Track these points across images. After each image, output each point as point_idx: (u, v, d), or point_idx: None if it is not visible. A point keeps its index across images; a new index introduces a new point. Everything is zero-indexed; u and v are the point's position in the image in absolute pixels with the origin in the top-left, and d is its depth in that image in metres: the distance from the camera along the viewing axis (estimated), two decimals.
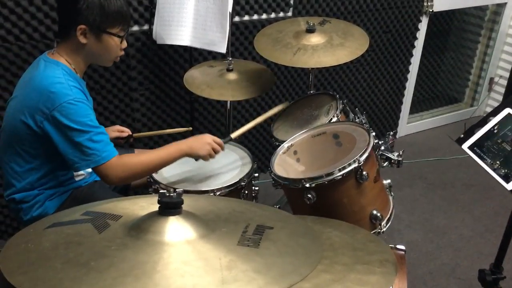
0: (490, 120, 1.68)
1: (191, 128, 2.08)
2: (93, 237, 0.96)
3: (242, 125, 2.96)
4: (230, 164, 1.95)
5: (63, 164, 1.68)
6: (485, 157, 1.65)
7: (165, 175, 1.89)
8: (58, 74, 1.61)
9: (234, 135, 1.97)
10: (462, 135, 1.73)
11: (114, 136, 2.07)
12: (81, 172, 1.84)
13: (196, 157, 1.81)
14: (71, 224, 1.02)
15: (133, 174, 1.69)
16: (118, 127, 2.12)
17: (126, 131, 2.11)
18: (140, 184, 2.11)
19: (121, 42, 1.71)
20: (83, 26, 1.61)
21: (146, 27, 2.48)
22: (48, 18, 2.22)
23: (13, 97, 1.71)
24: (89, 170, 1.88)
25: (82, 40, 1.64)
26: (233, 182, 1.81)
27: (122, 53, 1.77)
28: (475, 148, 1.69)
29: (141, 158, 1.71)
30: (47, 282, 0.81)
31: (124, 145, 2.15)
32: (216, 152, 1.82)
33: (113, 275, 0.83)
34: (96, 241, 0.94)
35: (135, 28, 2.47)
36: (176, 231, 0.96)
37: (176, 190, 1.01)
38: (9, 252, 0.92)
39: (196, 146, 1.78)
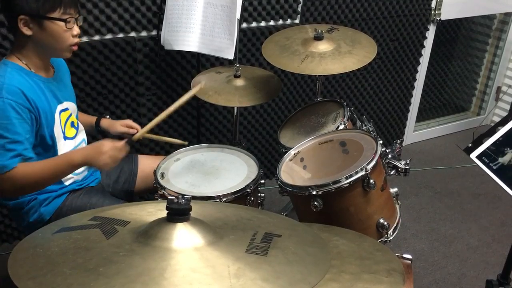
0: (498, 129, 1.68)
1: (186, 143, 2.00)
2: (101, 242, 0.96)
3: (249, 131, 2.99)
4: (237, 170, 1.94)
5: None
6: (493, 167, 1.64)
7: (171, 179, 1.88)
8: (0, 72, 1.57)
9: (136, 136, 1.83)
10: (471, 144, 1.72)
11: (121, 131, 1.99)
12: (69, 175, 1.78)
13: (96, 167, 1.73)
14: (79, 229, 1.02)
15: (21, 188, 1.61)
16: (128, 122, 2.02)
17: (135, 128, 1.99)
18: (145, 189, 2.11)
19: (67, 27, 1.60)
20: (22, 16, 1.54)
21: (154, 32, 2.49)
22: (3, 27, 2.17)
23: None
24: (82, 173, 1.86)
25: (27, 31, 1.57)
26: (239, 189, 1.81)
27: (76, 40, 1.67)
28: (483, 157, 1.68)
29: (27, 171, 1.58)
30: None
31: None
32: (117, 157, 1.69)
33: (121, 281, 0.83)
34: (104, 247, 0.94)
35: (143, 33, 2.48)
36: (184, 238, 0.95)
37: (185, 196, 1.01)
38: (17, 256, 0.92)
39: (91, 156, 1.65)
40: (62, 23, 1.60)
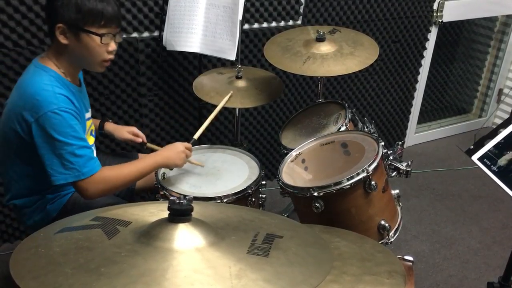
0: (500, 132, 1.68)
1: (203, 165, 2.02)
2: (103, 242, 0.96)
3: (250, 132, 3.00)
4: (238, 171, 1.95)
5: None
6: (495, 169, 1.64)
7: (172, 180, 1.89)
8: (45, 81, 1.56)
9: (196, 136, 2.00)
10: (472, 146, 1.72)
11: (127, 138, 2.03)
12: None
13: (173, 166, 1.84)
14: (81, 229, 1.02)
15: (112, 188, 1.67)
16: (134, 129, 2.05)
17: (141, 137, 2.05)
18: (145, 188, 2.11)
19: (102, 42, 1.60)
20: (60, 25, 1.55)
21: (156, 33, 2.49)
22: (33, 25, 2.20)
23: (6, 103, 1.68)
24: None
25: (63, 40, 1.57)
26: (240, 189, 1.81)
27: (111, 56, 1.67)
28: (485, 159, 1.68)
29: (122, 171, 1.69)
30: None
31: (131, 150, 2.13)
32: (188, 156, 1.85)
33: (123, 281, 0.83)
34: (106, 247, 0.94)
35: (146, 34, 2.48)
36: (186, 239, 0.96)
37: (186, 197, 1.01)
38: (19, 256, 0.92)
39: (171, 157, 1.79)
40: (97, 38, 1.60)
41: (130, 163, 1.76)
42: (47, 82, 1.57)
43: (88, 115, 1.81)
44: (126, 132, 2.04)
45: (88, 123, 1.81)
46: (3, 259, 2.45)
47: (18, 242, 2.56)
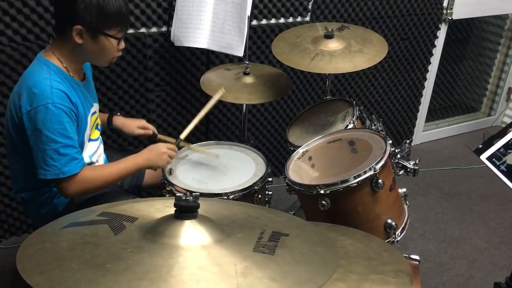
0: (510, 131, 1.66)
1: (218, 156, 2.02)
2: (109, 238, 0.96)
3: (257, 129, 2.99)
4: (244, 168, 1.94)
5: None
6: (504, 168, 1.63)
7: (179, 176, 1.89)
8: (44, 74, 1.58)
9: (183, 136, 1.94)
10: (481, 146, 1.70)
11: (137, 134, 2.03)
12: None
13: (155, 168, 1.83)
14: (87, 224, 1.03)
15: (92, 188, 1.68)
16: (143, 123, 2.06)
17: (151, 129, 2.05)
18: (152, 184, 2.11)
19: (118, 44, 1.66)
20: (79, 27, 1.56)
21: (164, 29, 2.49)
22: (42, 20, 2.21)
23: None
24: None
25: (78, 40, 1.59)
26: (247, 186, 1.81)
27: (119, 54, 1.72)
28: (493, 159, 1.67)
29: (102, 173, 1.70)
30: (64, 283, 0.81)
31: (144, 140, 2.12)
32: (171, 157, 1.83)
33: (128, 278, 0.83)
34: (112, 243, 0.94)
35: (154, 29, 2.48)
36: (192, 236, 0.96)
37: (193, 193, 1.01)
38: (26, 251, 0.92)
39: (153, 158, 1.78)
40: (114, 41, 1.64)
41: (112, 164, 1.77)
42: (46, 76, 1.58)
43: (93, 109, 1.81)
44: (135, 128, 2.03)
45: (93, 117, 1.81)
46: (10, 252, 2.47)
47: (26, 235, 2.58)
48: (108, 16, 1.58)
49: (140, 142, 2.64)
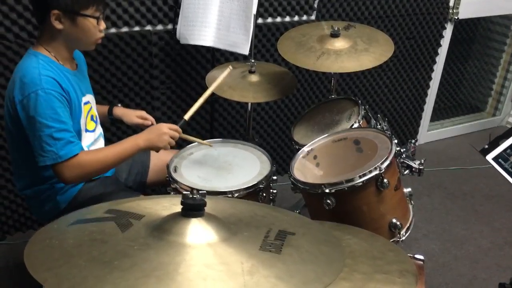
0: None
1: (211, 145, 2.02)
2: (117, 235, 0.96)
3: (262, 127, 2.99)
4: (249, 166, 1.94)
5: None
6: (510, 169, 1.62)
7: (184, 174, 1.89)
8: (33, 64, 1.59)
9: (187, 116, 1.89)
10: (487, 146, 1.70)
11: (136, 123, 2.03)
12: None
13: (156, 149, 1.78)
14: (94, 221, 1.03)
15: (89, 173, 1.67)
16: (142, 113, 2.05)
17: (150, 120, 2.04)
18: (157, 182, 2.12)
19: (98, 23, 1.65)
20: (56, 11, 1.56)
21: (170, 26, 2.49)
22: (35, 17, 2.20)
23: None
24: None
25: (58, 25, 1.59)
26: (251, 184, 1.81)
27: (102, 35, 1.70)
28: (499, 159, 1.66)
29: (98, 156, 1.67)
30: (71, 280, 0.82)
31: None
32: (174, 138, 1.77)
33: (135, 275, 0.83)
34: (119, 240, 0.94)
35: (159, 27, 2.48)
36: (198, 233, 0.96)
37: (200, 191, 1.01)
38: (33, 248, 0.93)
39: (153, 139, 1.73)
40: (93, 20, 1.64)
41: (108, 147, 1.73)
42: (35, 65, 1.59)
43: (86, 98, 1.79)
44: (135, 116, 2.03)
45: (87, 107, 1.79)
46: (15, 248, 2.48)
47: (30, 232, 2.59)
48: None
49: None
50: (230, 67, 2.07)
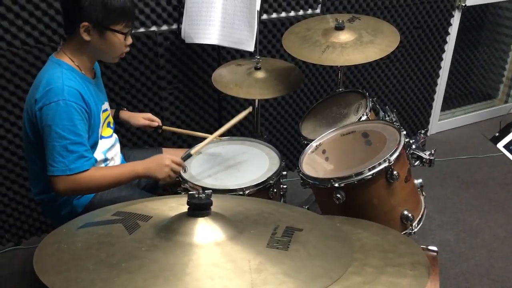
0: None
1: (221, 139, 2.03)
2: (124, 237, 0.97)
3: (270, 123, 2.99)
4: (258, 163, 1.94)
5: None
6: None
7: (193, 173, 1.89)
8: (57, 73, 1.61)
9: (193, 151, 1.91)
10: (497, 134, 1.68)
11: (143, 124, 2.08)
12: None
13: (155, 179, 1.79)
14: (102, 224, 1.03)
15: (82, 190, 1.68)
16: (149, 115, 2.10)
17: (157, 121, 2.10)
18: (168, 182, 2.12)
19: (125, 39, 1.69)
20: (86, 24, 1.59)
21: (174, 26, 2.50)
22: (54, 22, 2.23)
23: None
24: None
25: (86, 37, 1.62)
26: (261, 181, 1.81)
27: (127, 49, 1.74)
28: (511, 147, 1.64)
29: (95, 175, 1.65)
30: (80, 283, 0.82)
31: (152, 133, 2.15)
32: (175, 172, 1.77)
33: (143, 276, 0.84)
34: (127, 242, 0.95)
35: (164, 27, 2.49)
36: (205, 233, 0.96)
37: (206, 191, 1.01)
38: (43, 252, 0.94)
39: (153, 168, 1.72)
40: (121, 36, 1.66)
41: (108, 168, 1.76)
42: (59, 74, 1.61)
43: (104, 106, 1.83)
44: (141, 118, 2.08)
45: (105, 114, 1.83)
46: (31, 252, 2.50)
47: (45, 235, 2.61)
48: (113, 12, 1.60)
49: (154, 140, 2.65)
50: (250, 108, 2.07)
